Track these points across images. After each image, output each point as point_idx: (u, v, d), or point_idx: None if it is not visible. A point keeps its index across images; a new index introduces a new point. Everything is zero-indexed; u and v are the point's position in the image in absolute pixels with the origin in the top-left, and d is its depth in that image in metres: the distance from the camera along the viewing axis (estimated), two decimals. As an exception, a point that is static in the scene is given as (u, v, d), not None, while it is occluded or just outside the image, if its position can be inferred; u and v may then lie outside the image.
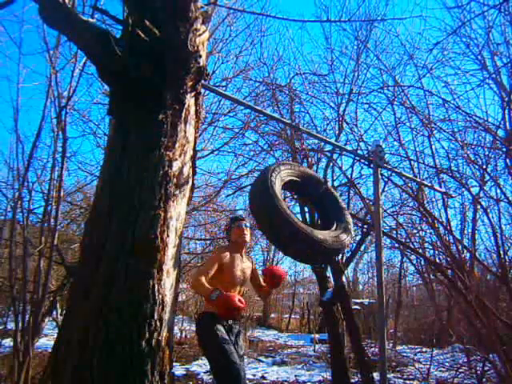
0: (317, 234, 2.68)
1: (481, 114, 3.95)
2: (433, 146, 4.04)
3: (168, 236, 1.85)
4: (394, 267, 11.22)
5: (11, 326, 4.33)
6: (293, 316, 15.78)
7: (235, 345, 2.76)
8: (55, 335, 1.88)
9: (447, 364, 5.74)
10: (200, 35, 2.19)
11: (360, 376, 5.00)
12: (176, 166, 1.96)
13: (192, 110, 2.15)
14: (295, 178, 2.99)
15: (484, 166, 3.85)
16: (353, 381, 5.33)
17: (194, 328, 10.39)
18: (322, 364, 7.44)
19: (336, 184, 5.77)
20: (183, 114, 2.04)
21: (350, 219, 3.06)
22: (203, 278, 2.70)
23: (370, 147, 3.24)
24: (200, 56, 2.15)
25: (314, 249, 2.63)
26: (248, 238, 3.00)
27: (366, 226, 5.29)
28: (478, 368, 4.37)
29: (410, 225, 5.02)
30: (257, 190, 2.77)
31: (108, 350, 1.62)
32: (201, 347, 3.01)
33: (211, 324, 2.73)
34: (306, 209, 5.52)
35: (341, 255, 5.75)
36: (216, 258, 2.89)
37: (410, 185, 4.17)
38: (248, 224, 3.05)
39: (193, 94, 2.14)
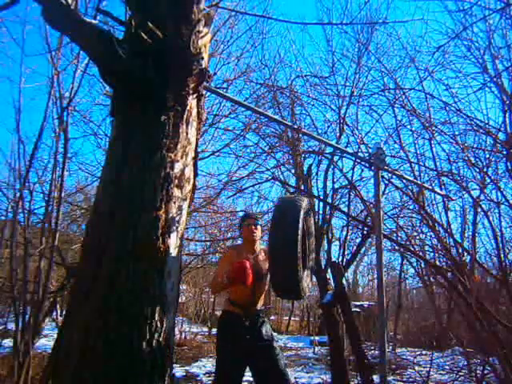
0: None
1: (482, 117, 3.94)
2: (433, 149, 4.04)
3: (169, 237, 1.85)
4: (394, 270, 11.22)
5: (11, 326, 4.33)
6: (292, 318, 15.74)
7: (258, 341, 2.82)
8: (55, 335, 1.88)
9: (447, 367, 5.71)
10: (202, 37, 2.20)
11: (360, 378, 4.99)
12: (177, 167, 1.96)
13: (194, 111, 2.15)
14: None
15: (485, 169, 3.84)
16: (352, 383, 5.32)
17: (193, 330, 10.42)
18: (322, 366, 7.43)
19: (336, 186, 5.78)
20: (185, 116, 2.05)
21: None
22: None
23: (370, 150, 3.24)
24: (202, 58, 2.15)
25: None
26: (257, 236, 3.05)
27: (366, 229, 5.29)
28: (477, 371, 4.35)
29: (410, 227, 5.01)
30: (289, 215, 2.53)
31: (108, 351, 1.61)
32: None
33: (224, 330, 2.89)
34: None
35: (341, 257, 5.76)
36: (225, 260, 3.01)
37: (410, 187, 4.16)
38: (259, 221, 3.08)
39: (195, 95, 2.14)
